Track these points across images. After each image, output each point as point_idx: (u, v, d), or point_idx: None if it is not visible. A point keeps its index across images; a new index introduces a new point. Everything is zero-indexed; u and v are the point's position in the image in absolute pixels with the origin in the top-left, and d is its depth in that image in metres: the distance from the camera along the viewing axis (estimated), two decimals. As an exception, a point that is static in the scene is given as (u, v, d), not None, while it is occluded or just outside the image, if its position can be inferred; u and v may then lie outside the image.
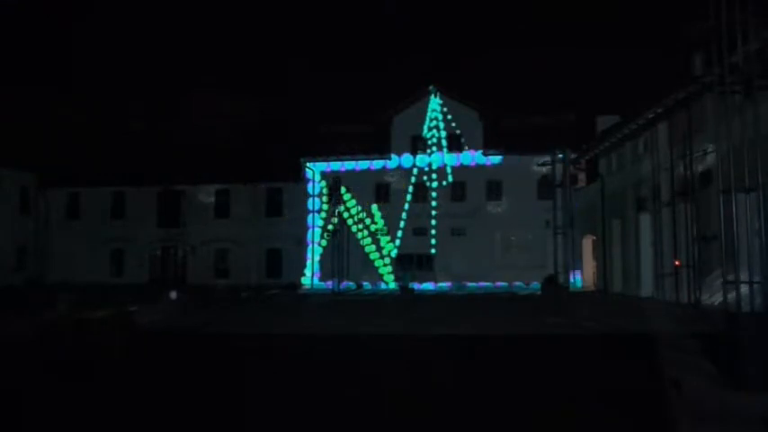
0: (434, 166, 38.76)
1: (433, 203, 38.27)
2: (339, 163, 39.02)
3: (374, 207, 38.48)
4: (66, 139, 39.59)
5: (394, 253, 37.96)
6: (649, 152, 23.33)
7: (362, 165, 39.17)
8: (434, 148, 38.93)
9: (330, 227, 36.27)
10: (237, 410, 7.23)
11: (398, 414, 7.03)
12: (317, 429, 6.62)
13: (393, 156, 39.24)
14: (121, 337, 11.57)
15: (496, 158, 37.32)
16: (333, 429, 6.60)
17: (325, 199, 38.10)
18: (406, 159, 39.08)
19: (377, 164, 39.20)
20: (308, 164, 39.38)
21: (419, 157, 39.03)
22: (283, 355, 11.31)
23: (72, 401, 7.69)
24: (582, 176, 34.16)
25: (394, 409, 7.18)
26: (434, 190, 38.53)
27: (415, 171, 38.91)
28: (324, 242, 37.55)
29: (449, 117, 38.63)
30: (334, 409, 7.26)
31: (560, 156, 20.73)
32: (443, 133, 38.88)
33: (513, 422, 6.71)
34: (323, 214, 38.05)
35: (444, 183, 38.45)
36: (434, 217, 38.00)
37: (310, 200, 38.66)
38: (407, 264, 37.70)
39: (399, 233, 38.21)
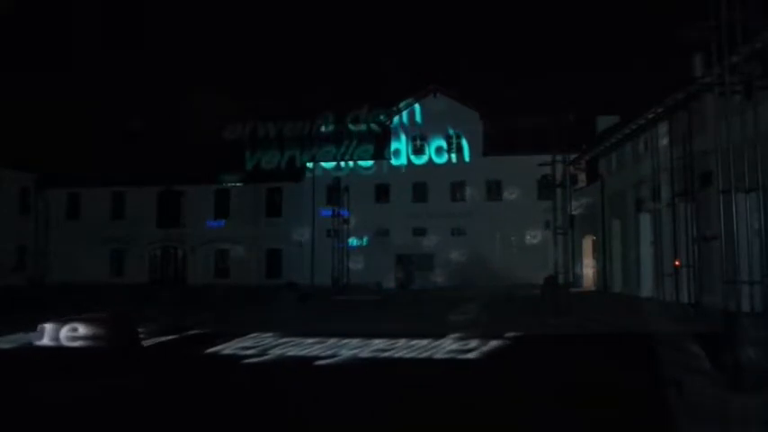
0: (434, 167, 38.81)
1: (433, 203, 38.30)
2: (339, 163, 39.05)
3: (374, 207, 38.53)
4: (67, 139, 39.57)
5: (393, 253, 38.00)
6: (649, 152, 23.31)
7: (362, 165, 39.20)
8: (434, 148, 38.95)
9: (330, 227, 36.24)
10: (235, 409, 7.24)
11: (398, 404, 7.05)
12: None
13: (393, 156, 39.29)
14: (121, 338, 11.59)
15: (496, 158, 37.34)
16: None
17: (324, 199, 38.11)
18: (406, 159, 39.12)
19: (376, 164, 39.23)
20: (307, 164, 39.39)
21: (419, 157, 39.05)
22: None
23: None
24: (582, 176, 34.18)
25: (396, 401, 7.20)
26: (434, 190, 38.56)
27: (414, 171, 38.96)
28: (324, 242, 37.52)
29: (449, 117, 38.65)
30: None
31: (560, 156, 20.64)
32: (443, 133, 38.92)
33: (513, 421, 6.71)
34: (323, 214, 38.04)
35: (444, 183, 38.51)
36: (434, 217, 38.02)
37: (310, 200, 38.65)
38: (407, 264, 37.73)
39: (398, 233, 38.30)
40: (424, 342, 11.97)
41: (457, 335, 12.90)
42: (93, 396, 7.90)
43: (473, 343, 11.88)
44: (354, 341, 12.14)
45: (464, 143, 38.81)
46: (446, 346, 11.63)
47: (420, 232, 38.35)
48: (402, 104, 39.74)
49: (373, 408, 7.35)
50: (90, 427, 6.72)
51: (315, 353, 10.95)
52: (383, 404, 7.52)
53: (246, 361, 10.31)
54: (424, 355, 10.90)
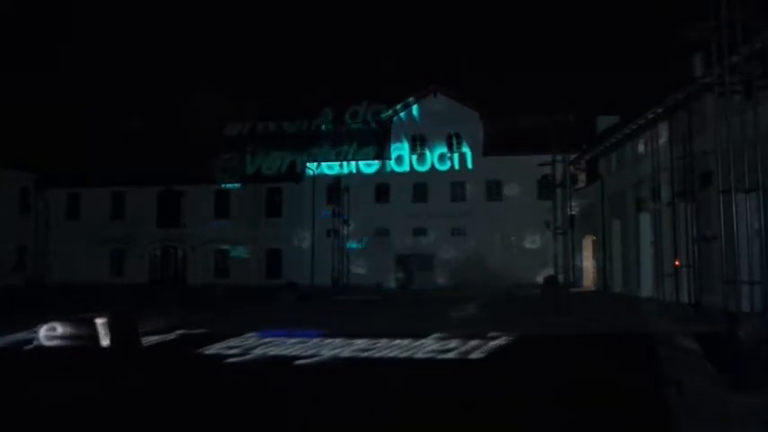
0: (434, 167, 38.80)
1: (433, 203, 38.28)
2: (339, 163, 39.04)
3: (374, 207, 38.54)
4: (67, 139, 39.56)
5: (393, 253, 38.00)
6: (649, 152, 23.31)
7: (362, 165, 39.20)
8: (434, 149, 38.93)
9: (330, 227, 36.23)
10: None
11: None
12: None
13: (392, 156, 39.28)
14: (121, 338, 11.58)
15: (496, 158, 37.32)
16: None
17: (324, 199, 38.08)
18: (406, 160, 39.10)
19: (376, 164, 39.22)
20: (307, 164, 39.38)
21: (421, 163, 39.06)
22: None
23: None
24: (582, 176, 34.18)
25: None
26: (434, 190, 38.55)
27: (414, 171, 38.95)
28: (324, 242, 37.50)
29: (449, 117, 38.62)
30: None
31: (560, 156, 20.64)
32: (443, 133, 38.90)
33: (513, 420, 6.71)
34: (323, 214, 38.00)
35: (444, 183, 38.50)
36: (434, 217, 38.00)
37: (310, 200, 38.65)
38: (407, 264, 37.72)
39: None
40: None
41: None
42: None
43: (472, 342, 11.89)
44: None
45: (464, 143, 38.79)
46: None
47: (420, 232, 38.34)
48: (402, 104, 39.72)
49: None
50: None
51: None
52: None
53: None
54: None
